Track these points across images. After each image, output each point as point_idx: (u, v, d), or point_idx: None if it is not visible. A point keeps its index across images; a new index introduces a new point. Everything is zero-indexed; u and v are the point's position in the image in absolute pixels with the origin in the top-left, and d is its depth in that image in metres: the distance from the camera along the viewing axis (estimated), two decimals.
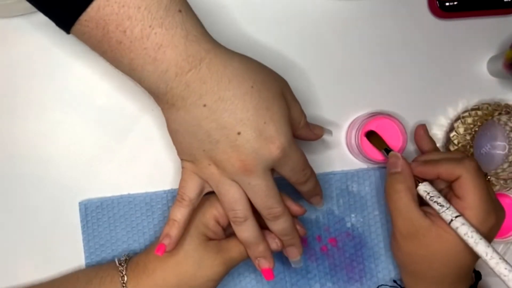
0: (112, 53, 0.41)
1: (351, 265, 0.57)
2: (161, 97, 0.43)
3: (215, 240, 0.49)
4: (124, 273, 0.49)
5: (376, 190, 0.57)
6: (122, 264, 0.50)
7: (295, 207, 0.49)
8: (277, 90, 0.45)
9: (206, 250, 0.47)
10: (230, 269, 0.49)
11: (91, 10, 0.39)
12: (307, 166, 0.48)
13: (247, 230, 0.47)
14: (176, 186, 0.55)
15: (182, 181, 0.48)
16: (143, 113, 0.55)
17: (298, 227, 0.50)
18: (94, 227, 0.54)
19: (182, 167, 0.48)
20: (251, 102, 0.43)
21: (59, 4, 0.40)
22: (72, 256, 0.54)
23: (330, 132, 0.53)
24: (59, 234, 0.54)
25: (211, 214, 0.48)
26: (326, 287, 0.56)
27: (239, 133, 0.43)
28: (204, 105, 0.42)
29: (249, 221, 0.47)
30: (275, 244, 0.49)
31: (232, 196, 0.46)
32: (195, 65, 0.41)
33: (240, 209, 0.46)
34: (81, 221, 0.54)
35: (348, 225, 0.57)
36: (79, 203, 0.54)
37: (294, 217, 0.50)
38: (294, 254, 0.50)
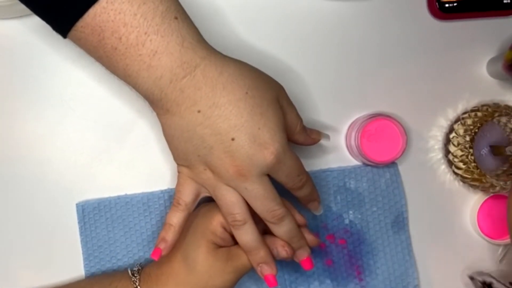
0: (107, 58, 0.42)
1: (350, 262, 0.57)
2: (156, 103, 0.43)
3: (225, 248, 0.49)
4: (137, 284, 0.49)
5: (374, 186, 0.57)
6: (135, 275, 0.50)
7: (298, 216, 0.50)
8: (272, 95, 0.45)
9: (216, 258, 0.47)
10: (241, 276, 0.49)
11: (87, 16, 0.40)
12: (302, 171, 0.48)
13: (246, 234, 0.47)
14: (173, 186, 0.55)
15: (178, 185, 0.48)
16: (142, 114, 0.55)
17: (310, 236, 0.51)
18: (92, 228, 0.55)
19: (178, 172, 0.48)
20: (245, 108, 0.43)
21: (56, 10, 0.40)
22: (71, 257, 0.55)
23: (327, 137, 0.53)
24: (58, 236, 0.55)
25: (217, 221, 0.48)
26: (325, 284, 0.56)
27: (233, 139, 0.43)
28: (199, 111, 0.43)
29: (248, 225, 0.47)
30: (284, 252, 0.48)
31: (230, 199, 0.46)
32: (189, 72, 0.42)
33: (239, 212, 0.46)
34: (79, 223, 0.55)
35: (346, 221, 0.57)
36: (77, 204, 0.55)
37: (303, 226, 0.50)
38: (303, 256, 0.50)
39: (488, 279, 0.54)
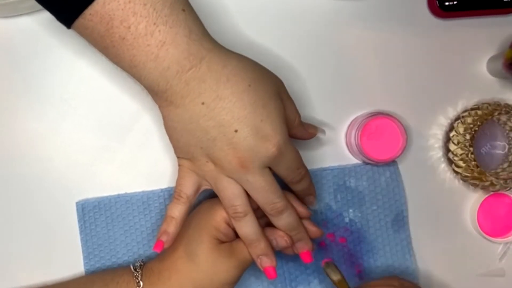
0: (113, 48, 0.42)
1: (350, 260, 0.57)
2: (160, 95, 0.44)
3: (227, 243, 0.49)
4: (139, 278, 0.49)
5: (374, 185, 0.58)
6: (137, 270, 0.50)
7: (301, 208, 0.50)
8: (273, 89, 0.46)
9: (219, 254, 0.48)
10: (244, 270, 0.49)
11: (96, 4, 0.40)
12: (301, 165, 0.49)
13: (247, 226, 0.47)
14: (173, 185, 0.55)
15: (179, 178, 0.49)
16: (143, 112, 0.56)
17: (314, 228, 0.51)
18: (91, 227, 0.55)
19: (179, 165, 0.49)
20: (249, 100, 0.44)
21: None
22: (71, 256, 0.55)
23: (323, 131, 0.54)
24: (58, 234, 0.55)
25: (221, 217, 0.49)
26: (325, 283, 0.56)
27: (236, 131, 0.43)
28: (203, 103, 0.43)
29: (249, 217, 0.47)
30: (284, 241, 0.49)
31: (232, 191, 0.46)
32: (195, 64, 0.42)
33: (240, 204, 0.47)
34: (79, 221, 0.55)
35: (346, 220, 0.57)
36: (76, 203, 0.55)
37: (306, 218, 0.51)
38: (303, 249, 0.50)
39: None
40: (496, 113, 0.55)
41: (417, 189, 0.58)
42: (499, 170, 0.56)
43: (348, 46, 0.58)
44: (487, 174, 0.55)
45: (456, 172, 0.58)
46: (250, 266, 0.49)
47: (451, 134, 0.57)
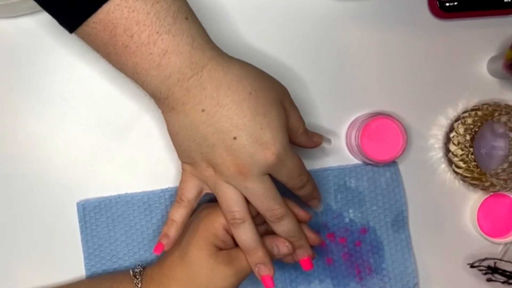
0: (116, 55, 0.42)
1: (350, 260, 0.57)
2: (162, 101, 0.44)
3: (226, 250, 0.49)
4: (139, 286, 0.50)
5: (374, 185, 0.58)
6: (137, 277, 0.51)
7: (301, 213, 0.51)
8: (275, 96, 0.46)
9: (217, 262, 0.48)
10: (243, 279, 0.49)
11: (100, 12, 0.40)
12: (303, 171, 0.49)
13: (245, 233, 0.48)
14: (173, 185, 0.55)
15: (182, 182, 0.49)
16: (143, 113, 0.56)
17: (313, 235, 0.51)
18: (92, 227, 0.55)
19: (182, 169, 0.49)
20: (249, 108, 0.44)
21: (67, 4, 0.40)
22: (71, 256, 0.56)
23: (329, 141, 0.55)
24: (58, 235, 0.56)
25: (219, 223, 0.49)
26: (325, 283, 0.57)
27: (235, 138, 0.44)
28: (203, 110, 0.43)
29: (247, 224, 0.47)
30: (285, 248, 0.49)
31: (230, 197, 0.47)
32: (197, 72, 0.43)
33: (238, 210, 0.47)
34: (79, 222, 0.55)
35: (346, 220, 0.58)
36: (77, 203, 0.55)
37: (304, 223, 0.51)
38: (303, 256, 0.50)
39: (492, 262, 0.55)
40: (496, 114, 0.55)
41: (417, 190, 0.59)
42: (499, 171, 0.57)
43: (349, 47, 0.58)
44: (487, 175, 0.55)
45: (456, 173, 0.58)
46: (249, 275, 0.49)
47: (451, 135, 0.57)
